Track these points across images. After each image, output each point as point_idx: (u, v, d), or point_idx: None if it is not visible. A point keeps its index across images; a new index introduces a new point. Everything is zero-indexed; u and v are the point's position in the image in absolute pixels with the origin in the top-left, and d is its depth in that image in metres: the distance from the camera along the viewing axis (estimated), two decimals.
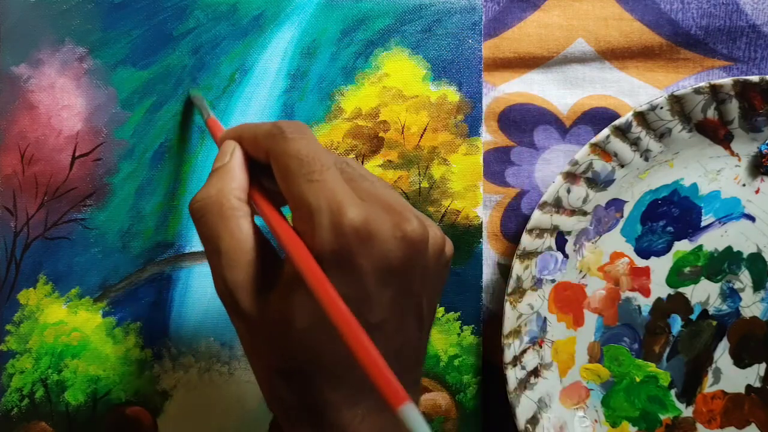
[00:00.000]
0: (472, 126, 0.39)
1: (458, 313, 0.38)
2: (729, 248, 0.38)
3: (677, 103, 0.37)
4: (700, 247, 0.38)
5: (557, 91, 0.39)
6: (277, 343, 0.25)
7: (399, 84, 0.39)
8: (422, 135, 0.39)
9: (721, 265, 0.38)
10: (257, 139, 0.27)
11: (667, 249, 0.38)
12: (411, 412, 0.21)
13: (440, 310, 0.38)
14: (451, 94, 0.39)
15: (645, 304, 0.38)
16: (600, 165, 0.37)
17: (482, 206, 0.39)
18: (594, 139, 0.37)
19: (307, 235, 0.24)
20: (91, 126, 0.38)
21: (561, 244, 0.38)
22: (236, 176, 0.27)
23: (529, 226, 0.36)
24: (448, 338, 0.38)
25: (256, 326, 0.26)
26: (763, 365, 0.38)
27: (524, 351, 0.37)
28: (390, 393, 0.21)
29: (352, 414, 0.25)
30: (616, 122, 0.37)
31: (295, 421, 0.26)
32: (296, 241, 0.24)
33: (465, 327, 0.38)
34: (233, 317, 0.26)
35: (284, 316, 0.25)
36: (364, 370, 0.22)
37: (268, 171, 0.26)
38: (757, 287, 0.38)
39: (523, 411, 0.37)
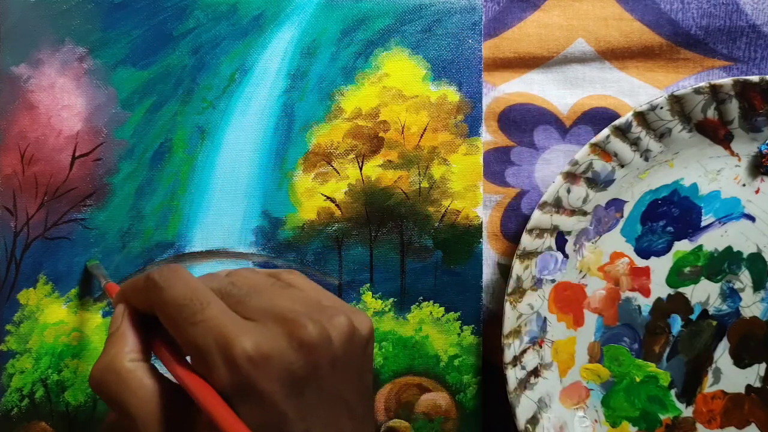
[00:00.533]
0: (472, 126, 0.39)
1: (458, 313, 0.38)
2: (729, 248, 0.38)
3: (677, 103, 0.37)
4: (700, 247, 0.38)
5: (557, 91, 0.39)
6: None
7: (399, 84, 0.39)
8: (422, 135, 0.39)
9: (721, 265, 0.38)
10: (139, 297, 0.27)
11: (667, 249, 0.38)
12: None
13: (440, 310, 0.38)
14: (451, 94, 0.39)
15: (645, 304, 0.38)
16: (600, 165, 0.37)
17: (482, 206, 0.39)
18: (594, 139, 0.37)
19: (208, 376, 0.24)
20: (91, 126, 0.38)
21: (561, 244, 0.38)
22: (128, 339, 0.27)
23: (529, 226, 0.36)
24: (448, 338, 0.38)
25: None
26: (763, 365, 0.38)
27: (524, 351, 0.37)
28: None
29: None
30: (616, 122, 0.37)
31: None
32: (202, 387, 0.24)
33: (465, 327, 0.38)
34: None
35: None
36: None
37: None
38: (757, 287, 0.38)
39: (523, 411, 0.37)
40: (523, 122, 0.39)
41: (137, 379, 0.26)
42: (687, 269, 0.38)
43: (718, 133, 0.38)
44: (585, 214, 0.38)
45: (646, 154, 0.38)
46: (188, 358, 0.26)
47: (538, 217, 0.37)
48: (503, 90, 0.39)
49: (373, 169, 0.38)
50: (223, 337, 0.24)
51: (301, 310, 0.26)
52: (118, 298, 0.28)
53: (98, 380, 0.26)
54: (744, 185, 0.38)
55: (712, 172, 0.38)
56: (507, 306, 0.36)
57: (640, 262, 0.38)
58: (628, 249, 0.38)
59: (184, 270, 0.27)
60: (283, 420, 0.24)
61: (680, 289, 0.38)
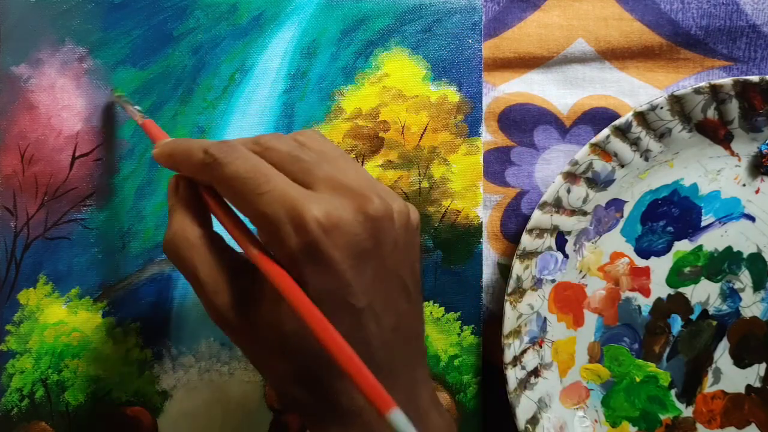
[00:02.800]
0: (472, 126, 0.39)
1: (458, 313, 0.38)
2: (729, 248, 0.38)
3: (677, 103, 0.37)
4: (700, 247, 0.38)
5: (557, 91, 0.39)
6: (278, 350, 0.26)
7: (399, 84, 0.39)
8: (422, 135, 0.39)
9: (721, 265, 0.38)
10: (196, 172, 0.27)
11: (667, 249, 0.38)
12: (398, 418, 0.21)
13: (440, 310, 0.38)
14: (451, 94, 0.39)
15: (645, 304, 0.38)
16: (600, 165, 0.37)
17: (482, 206, 0.39)
18: (594, 139, 0.37)
19: (276, 245, 0.25)
20: (91, 126, 0.38)
21: (561, 244, 0.38)
22: (191, 209, 0.28)
23: (529, 226, 0.36)
24: (448, 338, 0.38)
25: (255, 340, 0.26)
26: (763, 365, 0.38)
27: (524, 351, 0.37)
28: (377, 399, 0.22)
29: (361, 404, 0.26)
30: (616, 122, 0.37)
31: (319, 422, 0.27)
32: (265, 259, 0.25)
33: (465, 327, 0.38)
34: (233, 338, 0.27)
35: (276, 325, 0.25)
36: (350, 379, 0.22)
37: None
38: (757, 287, 0.38)
39: (523, 411, 0.37)
40: (523, 122, 0.39)
41: (205, 246, 0.27)
42: (687, 269, 0.38)
43: (718, 133, 0.38)
44: (585, 214, 0.38)
45: (646, 154, 0.38)
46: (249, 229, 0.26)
47: (538, 217, 0.37)
48: (503, 90, 0.39)
49: (373, 169, 0.38)
50: (291, 204, 0.24)
51: (366, 184, 0.26)
52: (168, 161, 0.29)
53: (171, 248, 0.27)
54: (744, 185, 0.38)
55: (712, 172, 0.38)
56: (507, 306, 0.36)
57: (640, 262, 0.38)
58: (628, 249, 0.38)
59: (240, 145, 0.27)
60: (347, 290, 0.25)
61: (680, 289, 0.38)
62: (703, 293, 0.38)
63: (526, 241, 0.37)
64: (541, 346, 0.38)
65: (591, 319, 0.38)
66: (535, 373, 0.38)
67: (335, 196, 0.25)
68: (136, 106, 0.36)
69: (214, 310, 0.26)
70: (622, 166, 0.38)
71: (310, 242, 0.24)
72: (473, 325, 0.38)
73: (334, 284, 0.24)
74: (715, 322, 0.38)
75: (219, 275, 0.26)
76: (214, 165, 0.26)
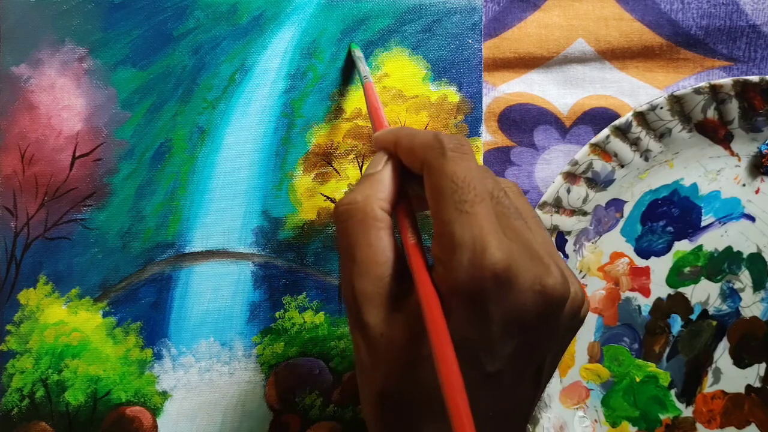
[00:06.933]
0: (472, 126, 0.39)
1: None
2: (729, 248, 0.38)
3: (677, 103, 0.37)
4: (700, 247, 0.38)
5: (557, 91, 0.39)
6: (395, 364, 0.24)
7: (399, 84, 0.39)
8: None
9: (721, 265, 0.38)
10: (414, 149, 0.26)
11: (667, 249, 0.38)
12: None
13: None
14: (451, 94, 0.39)
15: (645, 304, 0.38)
16: (600, 165, 0.37)
17: None
18: (594, 139, 0.37)
19: (443, 264, 0.23)
20: (91, 126, 0.38)
21: (561, 244, 0.38)
22: (385, 187, 0.26)
23: None
24: None
25: (375, 341, 0.25)
26: (763, 365, 0.38)
27: None
28: None
29: None
30: (616, 122, 0.37)
31: None
32: (424, 277, 0.23)
33: None
34: (353, 327, 0.26)
35: (412, 340, 0.24)
36: (447, 407, 0.20)
37: (418, 177, 0.26)
38: (757, 287, 0.38)
39: None
40: (523, 122, 0.39)
41: (378, 229, 0.25)
42: (687, 269, 0.38)
43: (718, 133, 0.38)
44: (585, 214, 0.38)
45: (646, 154, 0.38)
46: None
47: None
48: (503, 90, 0.39)
49: None
50: (481, 241, 0.22)
51: (552, 253, 0.25)
52: (388, 136, 0.27)
53: (344, 212, 0.26)
54: (744, 185, 0.38)
55: (712, 172, 0.38)
56: None
57: (640, 262, 0.38)
58: (628, 249, 0.38)
59: (471, 147, 0.25)
60: (487, 349, 0.23)
61: (680, 289, 0.38)
62: (703, 293, 0.38)
63: None
64: None
65: (591, 319, 0.38)
66: None
67: (521, 253, 0.23)
68: (367, 68, 0.36)
69: (352, 293, 0.25)
70: (622, 166, 0.38)
71: (476, 285, 0.22)
72: None
73: (477, 337, 0.23)
74: (715, 322, 0.38)
75: (375, 262, 0.25)
76: (438, 152, 0.24)
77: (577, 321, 0.26)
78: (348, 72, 0.38)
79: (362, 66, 0.36)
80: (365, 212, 0.25)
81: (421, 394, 0.24)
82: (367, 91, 0.33)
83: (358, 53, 0.37)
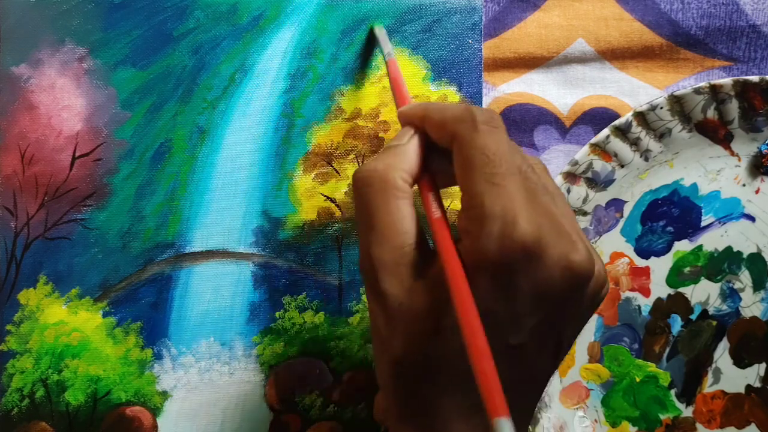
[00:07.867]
0: None
1: None
2: (729, 248, 0.38)
3: (677, 103, 0.37)
4: (700, 247, 0.38)
5: (557, 91, 0.39)
6: (413, 333, 0.24)
7: None
8: None
9: (721, 265, 0.38)
10: (445, 122, 0.25)
11: (667, 249, 0.38)
12: (505, 427, 0.19)
13: None
14: (452, 95, 0.39)
15: (645, 304, 0.38)
16: (600, 165, 0.37)
17: None
18: (594, 139, 0.37)
19: (471, 236, 0.23)
20: (91, 126, 0.38)
21: None
22: (408, 158, 0.26)
23: None
24: None
25: (393, 310, 0.24)
26: (763, 365, 0.38)
27: None
28: (492, 402, 0.20)
29: (460, 428, 0.24)
30: (616, 122, 0.37)
31: (400, 417, 0.25)
32: (450, 248, 0.23)
33: None
34: (370, 296, 0.25)
35: (432, 311, 0.23)
36: (475, 375, 0.20)
37: (443, 152, 0.25)
38: (757, 287, 0.38)
39: None
40: (523, 122, 0.39)
41: (397, 198, 0.25)
42: (687, 269, 0.38)
43: (718, 133, 0.38)
44: (585, 214, 0.38)
45: (646, 154, 0.38)
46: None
47: None
48: (503, 90, 0.39)
49: None
50: (512, 213, 0.22)
51: (577, 230, 0.25)
52: (417, 110, 0.27)
53: (363, 179, 0.25)
54: (744, 185, 0.38)
55: (712, 172, 0.38)
56: None
57: (640, 262, 0.38)
58: (628, 249, 0.38)
59: (502, 121, 0.25)
60: (512, 322, 0.23)
61: (680, 289, 0.38)
62: (703, 293, 0.38)
63: None
64: None
65: (591, 319, 0.38)
66: None
67: (550, 228, 0.23)
68: (390, 45, 0.36)
69: (369, 260, 0.24)
70: (622, 166, 0.38)
71: (505, 257, 0.22)
72: None
73: (502, 310, 0.23)
74: (715, 322, 0.38)
75: (394, 230, 0.24)
76: (470, 124, 0.24)
77: (599, 299, 0.26)
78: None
79: (385, 44, 0.36)
80: (385, 180, 0.25)
81: (439, 365, 0.24)
82: (390, 68, 0.34)
83: (382, 31, 0.37)
